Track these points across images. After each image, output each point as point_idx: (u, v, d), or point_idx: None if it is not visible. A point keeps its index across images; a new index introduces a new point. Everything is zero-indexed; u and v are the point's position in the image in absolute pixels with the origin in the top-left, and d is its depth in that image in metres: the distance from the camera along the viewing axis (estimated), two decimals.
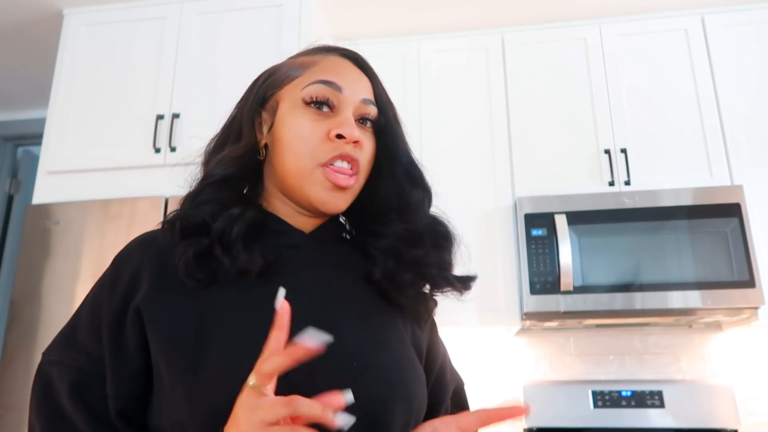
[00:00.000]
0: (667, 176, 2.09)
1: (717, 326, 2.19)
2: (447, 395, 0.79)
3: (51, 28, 2.35)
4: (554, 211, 2.02)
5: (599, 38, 2.29)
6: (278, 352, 0.50)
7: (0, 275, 2.93)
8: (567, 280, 1.92)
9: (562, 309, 1.93)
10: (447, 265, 0.73)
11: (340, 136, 0.67)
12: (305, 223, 0.73)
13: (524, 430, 2.10)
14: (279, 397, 0.49)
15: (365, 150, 0.70)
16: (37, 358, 0.68)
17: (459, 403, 0.82)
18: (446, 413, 0.78)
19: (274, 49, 2.04)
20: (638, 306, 1.90)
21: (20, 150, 3.19)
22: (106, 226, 1.91)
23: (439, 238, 0.73)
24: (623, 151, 2.13)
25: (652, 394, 2.08)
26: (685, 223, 1.95)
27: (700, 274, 1.90)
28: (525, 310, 1.95)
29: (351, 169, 0.68)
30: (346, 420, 0.48)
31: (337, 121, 0.68)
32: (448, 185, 2.14)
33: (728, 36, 2.21)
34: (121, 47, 2.19)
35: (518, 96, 2.27)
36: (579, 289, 1.93)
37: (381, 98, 0.74)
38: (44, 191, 2.06)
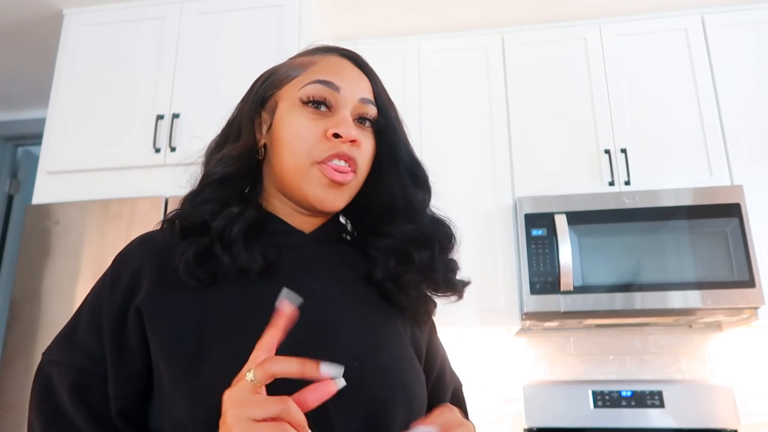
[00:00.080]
0: (667, 176, 2.09)
1: (717, 326, 2.19)
2: (447, 396, 0.79)
3: (51, 28, 2.35)
4: (554, 211, 2.02)
5: (599, 38, 2.29)
6: (294, 361, 0.49)
7: (0, 275, 2.93)
8: (567, 280, 1.91)
9: (562, 309, 1.93)
10: (453, 268, 0.73)
11: (337, 135, 0.67)
12: (305, 223, 0.73)
13: (524, 430, 2.10)
14: (271, 396, 0.49)
15: (363, 149, 0.70)
16: (37, 358, 0.68)
17: (457, 405, 0.82)
18: None
19: (274, 49, 2.04)
20: (638, 306, 1.90)
21: (20, 150, 3.19)
22: (106, 226, 1.91)
23: (445, 239, 0.73)
24: (623, 151, 2.13)
25: (652, 394, 2.08)
26: (685, 223, 1.95)
27: (700, 274, 1.90)
28: (525, 310, 1.95)
29: (348, 167, 0.68)
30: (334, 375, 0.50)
31: (334, 120, 0.68)
32: (448, 185, 2.12)
33: (728, 36, 2.21)
34: (121, 47, 2.19)
35: (518, 96, 2.27)
36: (579, 289, 1.93)
37: (381, 98, 0.73)
38: (44, 191, 2.06)
